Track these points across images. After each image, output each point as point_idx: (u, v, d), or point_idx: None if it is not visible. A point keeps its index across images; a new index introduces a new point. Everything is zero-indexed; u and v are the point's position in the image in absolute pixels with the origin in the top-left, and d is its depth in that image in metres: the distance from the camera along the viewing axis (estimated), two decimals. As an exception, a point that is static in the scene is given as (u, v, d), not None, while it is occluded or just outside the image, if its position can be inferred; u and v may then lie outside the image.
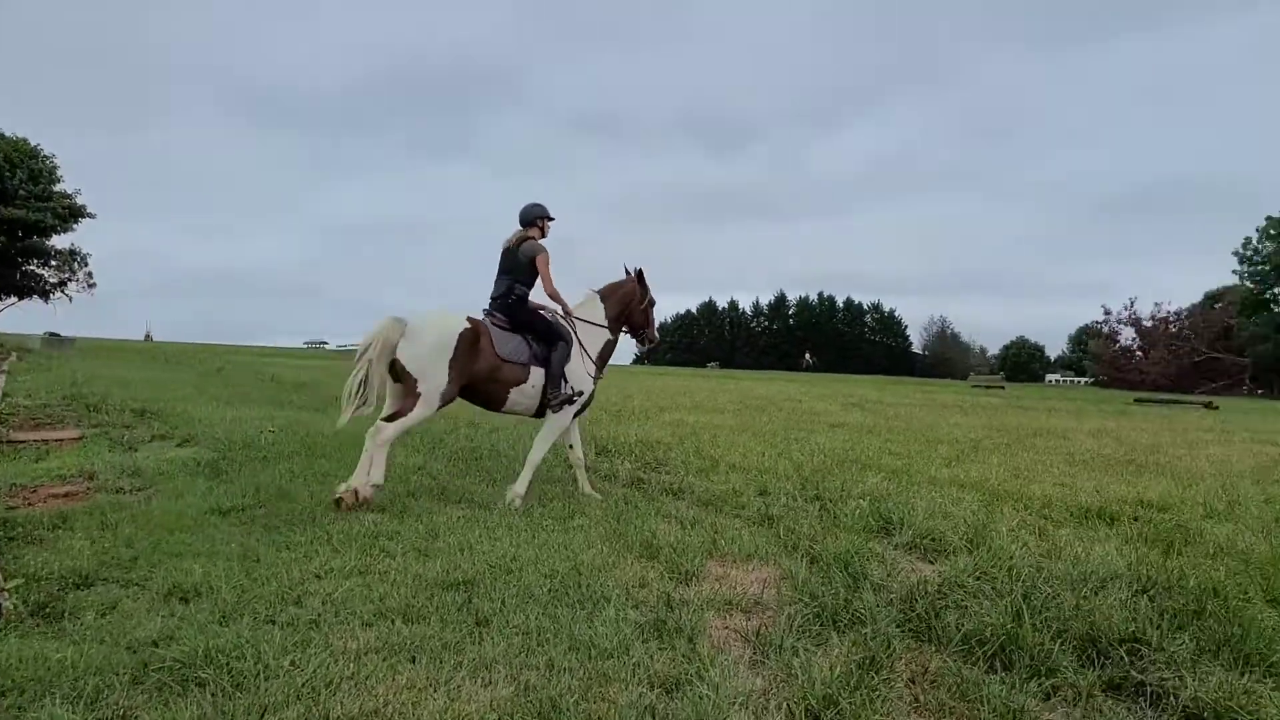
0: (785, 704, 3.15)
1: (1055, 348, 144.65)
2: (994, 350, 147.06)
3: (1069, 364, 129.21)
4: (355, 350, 6.35)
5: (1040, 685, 3.41)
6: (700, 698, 3.12)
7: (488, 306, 6.91)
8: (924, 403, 24.99)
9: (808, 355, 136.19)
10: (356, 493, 6.04)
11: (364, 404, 6.15)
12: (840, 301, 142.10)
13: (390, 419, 6.23)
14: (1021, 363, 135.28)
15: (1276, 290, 67.82)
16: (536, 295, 6.95)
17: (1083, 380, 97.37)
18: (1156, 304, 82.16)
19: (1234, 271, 72.25)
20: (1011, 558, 5.05)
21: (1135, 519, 6.72)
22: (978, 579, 4.65)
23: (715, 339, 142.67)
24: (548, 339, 6.85)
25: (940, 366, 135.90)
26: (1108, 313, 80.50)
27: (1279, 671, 3.50)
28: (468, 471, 8.02)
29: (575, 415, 7.03)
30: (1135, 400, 34.63)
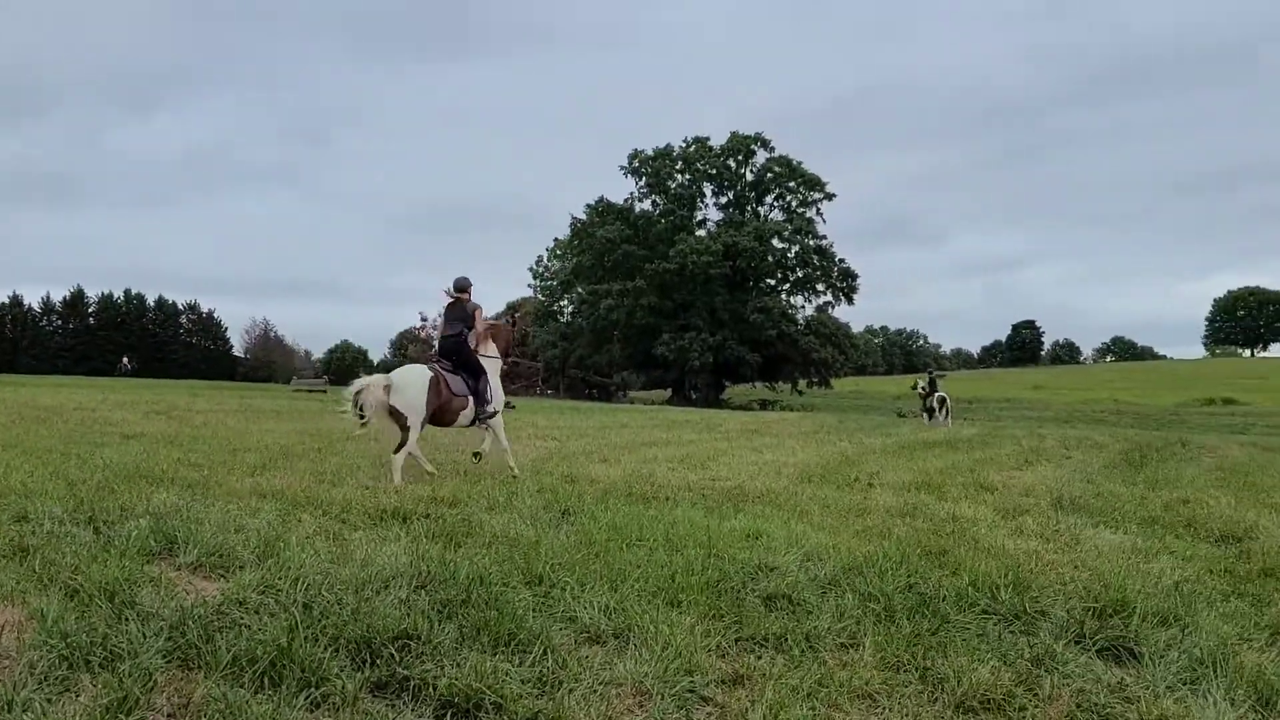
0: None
1: (378, 351, 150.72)
2: (319, 354, 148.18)
3: (389, 367, 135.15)
4: None
5: (309, 696, 3.36)
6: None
7: (438, 347, 10.69)
8: (239, 409, 24.04)
9: (125, 359, 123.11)
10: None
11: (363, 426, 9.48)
12: (151, 300, 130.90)
13: (397, 450, 9.33)
14: (347, 366, 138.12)
15: (562, 303, 78.95)
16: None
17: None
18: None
19: (529, 285, 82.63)
20: (300, 567, 4.98)
21: (427, 516, 7.13)
22: (262, 594, 4.49)
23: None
24: (476, 374, 10.21)
25: (263, 370, 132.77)
26: (424, 319, 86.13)
27: (526, 648, 3.91)
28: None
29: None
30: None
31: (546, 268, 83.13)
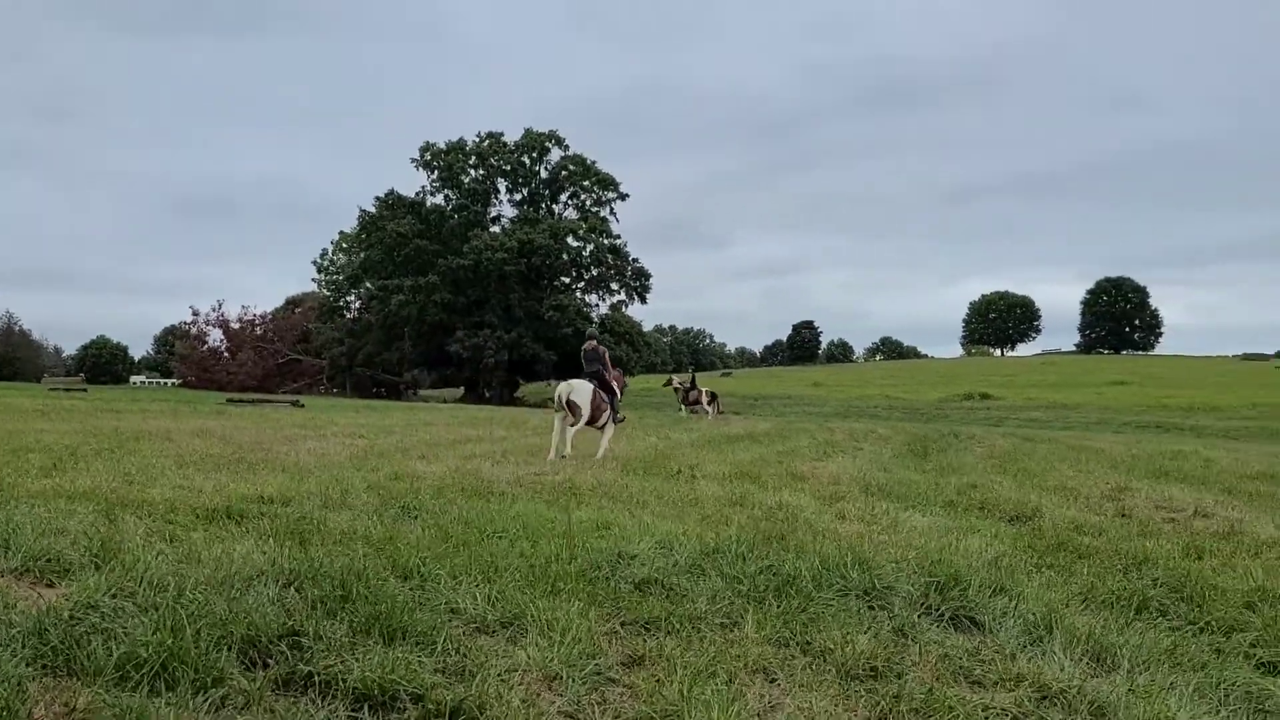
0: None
1: (140, 348, 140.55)
2: (71, 350, 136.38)
3: (154, 365, 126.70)
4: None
5: (208, 698, 3.20)
6: None
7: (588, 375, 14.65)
8: (-2, 408, 21.87)
9: None
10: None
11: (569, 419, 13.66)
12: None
13: (573, 426, 13.57)
14: (103, 363, 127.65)
15: (349, 298, 76.27)
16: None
17: (169, 382, 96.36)
18: (244, 306, 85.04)
19: (314, 279, 79.22)
20: (147, 568, 4.68)
21: (262, 515, 6.82)
22: (114, 597, 4.20)
23: None
24: (610, 393, 14.52)
25: (8, 367, 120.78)
26: (196, 314, 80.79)
27: (424, 641, 3.86)
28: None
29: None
30: (228, 400, 35.45)
31: (332, 261, 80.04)
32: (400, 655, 3.58)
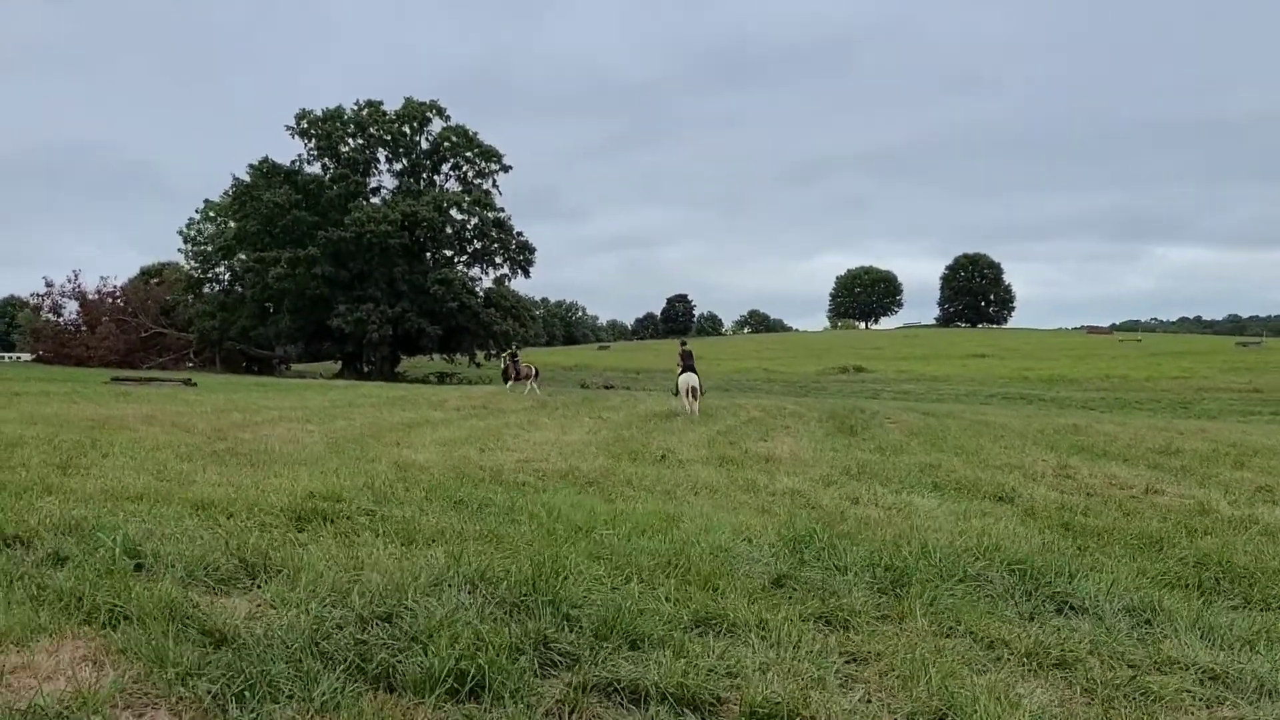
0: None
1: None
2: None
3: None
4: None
5: (527, 705, 3.46)
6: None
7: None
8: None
9: None
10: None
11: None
12: None
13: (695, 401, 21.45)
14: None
15: (218, 270, 73.18)
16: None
17: (15, 356, 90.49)
18: (103, 278, 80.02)
19: (180, 250, 75.53)
20: (320, 575, 4.82)
21: (348, 517, 6.89)
22: (332, 606, 4.36)
23: None
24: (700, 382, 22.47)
25: None
26: (50, 285, 75.72)
27: (668, 644, 4.17)
28: None
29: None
30: (114, 379, 33.82)
31: (199, 230, 76.51)
32: (662, 659, 3.87)
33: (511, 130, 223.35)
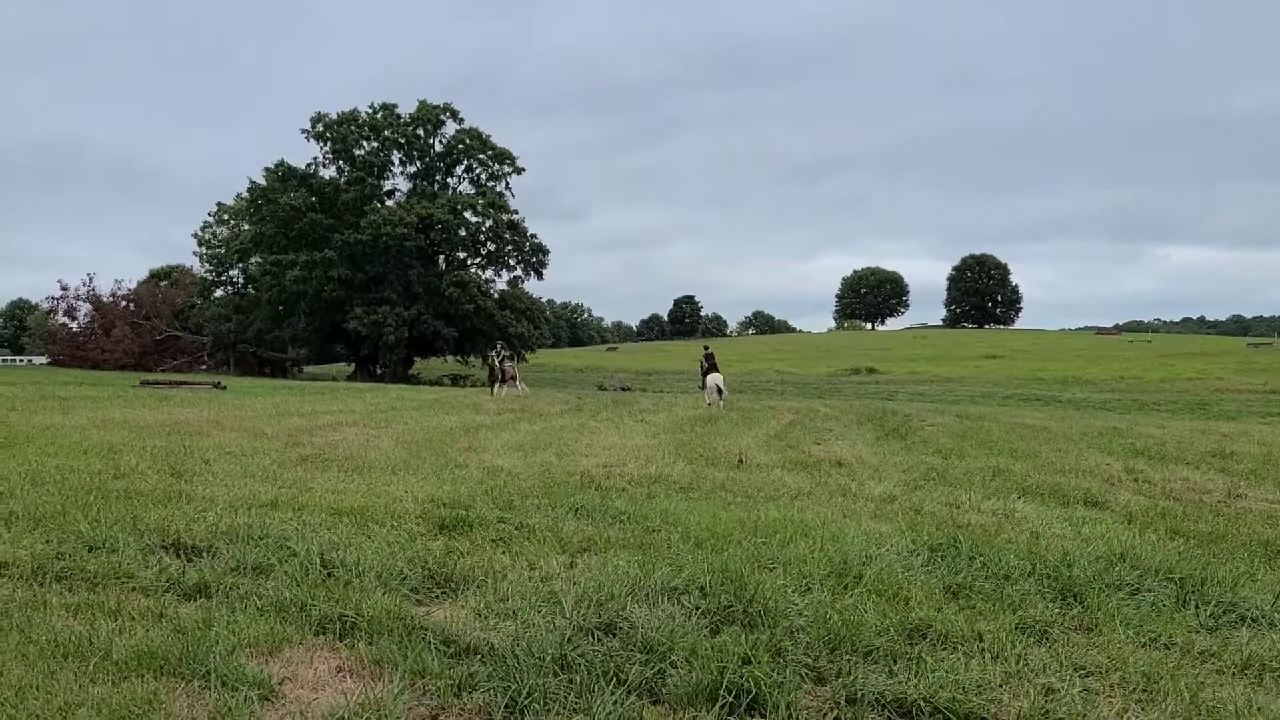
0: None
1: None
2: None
3: (6, 342, 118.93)
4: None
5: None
6: None
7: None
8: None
9: None
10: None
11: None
12: None
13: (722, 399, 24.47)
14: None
15: (233, 273, 73.32)
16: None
17: (27, 359, 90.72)
18: (117, 281, 79.92)
19: (195, 253, 75.89)
20: (533, 588, 4.90)
21: (481, 522, 6.98)
22: (544, 615, 4.43)
23: None
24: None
25: None
26: (65, 288, 75.70)
27: (897, 656, 4.25)
28: None
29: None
30: (142, 383, 33.93)
31: (214, 234, 76.65)
32: (907, 671, 3.95)
33: (509, 128, 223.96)
